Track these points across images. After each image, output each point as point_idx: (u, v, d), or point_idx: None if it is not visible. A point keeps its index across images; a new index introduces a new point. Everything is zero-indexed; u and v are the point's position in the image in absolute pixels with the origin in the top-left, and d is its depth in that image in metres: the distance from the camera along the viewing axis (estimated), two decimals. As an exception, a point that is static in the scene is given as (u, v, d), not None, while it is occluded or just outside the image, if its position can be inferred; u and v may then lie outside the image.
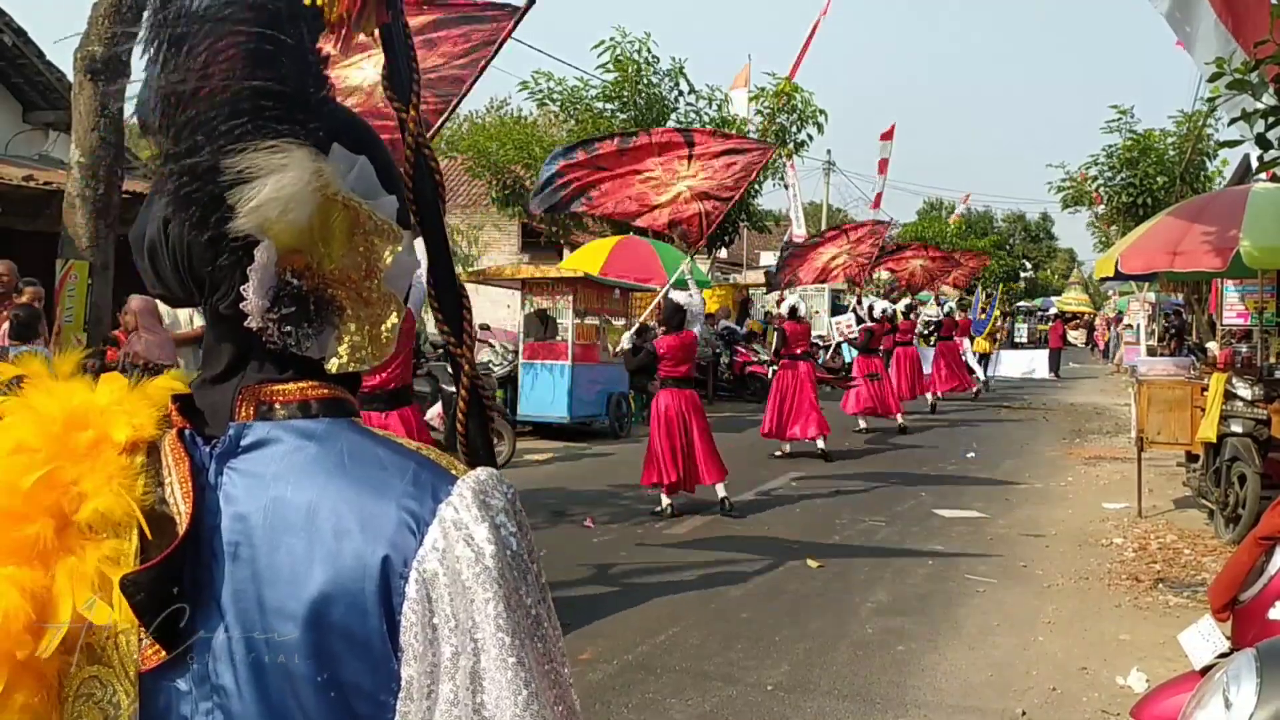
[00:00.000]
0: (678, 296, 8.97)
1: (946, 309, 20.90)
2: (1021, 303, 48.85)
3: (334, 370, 0.91)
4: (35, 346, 6.26)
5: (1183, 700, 2.58)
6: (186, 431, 0.89)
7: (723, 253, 21.66)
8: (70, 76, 7.48)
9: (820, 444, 12.11)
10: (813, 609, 6.16)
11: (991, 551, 7.72)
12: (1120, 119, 18.79)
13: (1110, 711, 4.64)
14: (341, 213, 0.87)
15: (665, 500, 8.58)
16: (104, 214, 7.01)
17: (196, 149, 0.81)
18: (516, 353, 14.33)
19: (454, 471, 0.87)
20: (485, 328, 15.92)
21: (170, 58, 0.82)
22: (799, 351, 12.40)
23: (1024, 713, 4.65)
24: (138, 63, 0.84)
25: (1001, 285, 30.39)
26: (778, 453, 12.33)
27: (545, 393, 13.71)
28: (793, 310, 12.72)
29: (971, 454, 13.02)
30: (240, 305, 0.86)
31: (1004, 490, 10.47)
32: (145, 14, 0.84)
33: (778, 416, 12.07)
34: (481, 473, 0.87)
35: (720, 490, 8.79)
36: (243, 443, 0.87)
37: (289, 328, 0.87)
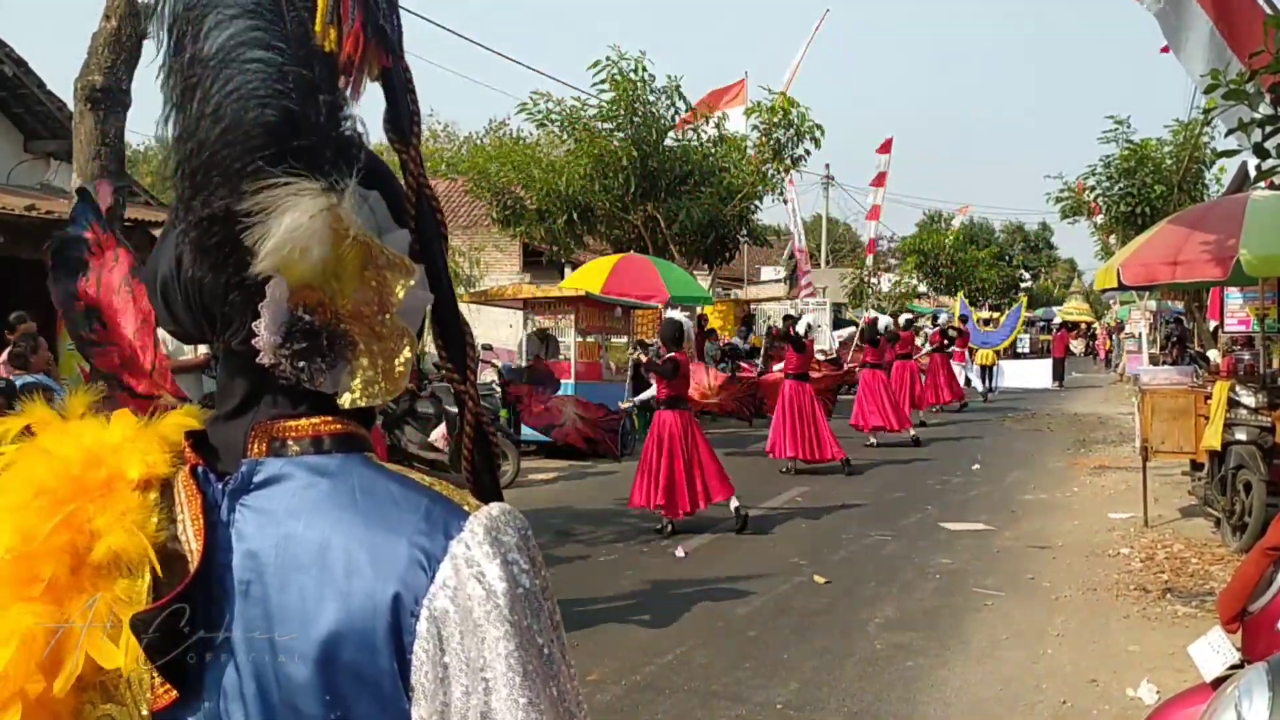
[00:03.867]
0: (677, 316, 8.96)
1: (943, 320, 20.86)
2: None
3: (347, 405, 0.90)
4: (37, 376, 6.25)
5: (1194, 714, 2.57)
6: (200, 468, 0.89)
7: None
8: (71, 106, 7.52)
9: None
10: (820, 626, 6.14)
11: (998, 564, 7.70)
12: (1117, 129, 18.82)
13: (1121, 724, 4.62)
14: (354, 249, 0.86)
15: (665, 519, 8.55)
16: (106, 242, 7.03)
17: (211, 190, 0.81)
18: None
19: (466, 507, 0.86)
20: (488, 348, 15.90)
21: (185, 105, 0.82)
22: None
23: (1035, 727, 4.63)
24: (161, 124, 0.84)
25: (1025, 297, 30.20)
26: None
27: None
28: (808, 328, 12.82)
29: (977, 466, 12.99)
30: (252, 341, 0.86)
31: (1010, 502, 10.45)
32: (160, 65, 0.84)
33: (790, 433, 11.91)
34: (494, 508, 0.86)
35: (734, 503, 8.73)
36: (255, 479, 0.87)
37: (301, 363, 0.87)
